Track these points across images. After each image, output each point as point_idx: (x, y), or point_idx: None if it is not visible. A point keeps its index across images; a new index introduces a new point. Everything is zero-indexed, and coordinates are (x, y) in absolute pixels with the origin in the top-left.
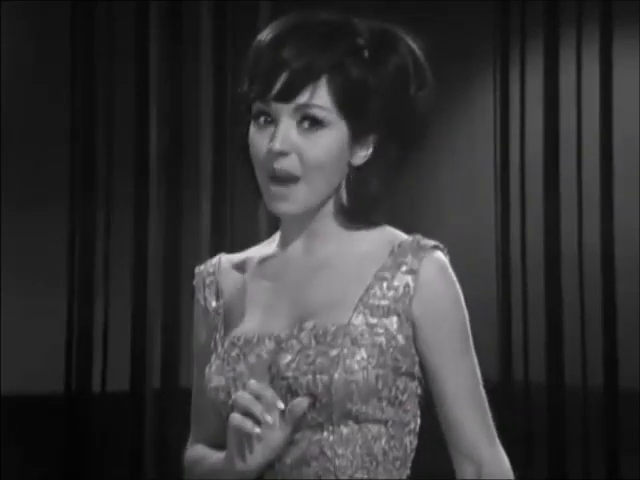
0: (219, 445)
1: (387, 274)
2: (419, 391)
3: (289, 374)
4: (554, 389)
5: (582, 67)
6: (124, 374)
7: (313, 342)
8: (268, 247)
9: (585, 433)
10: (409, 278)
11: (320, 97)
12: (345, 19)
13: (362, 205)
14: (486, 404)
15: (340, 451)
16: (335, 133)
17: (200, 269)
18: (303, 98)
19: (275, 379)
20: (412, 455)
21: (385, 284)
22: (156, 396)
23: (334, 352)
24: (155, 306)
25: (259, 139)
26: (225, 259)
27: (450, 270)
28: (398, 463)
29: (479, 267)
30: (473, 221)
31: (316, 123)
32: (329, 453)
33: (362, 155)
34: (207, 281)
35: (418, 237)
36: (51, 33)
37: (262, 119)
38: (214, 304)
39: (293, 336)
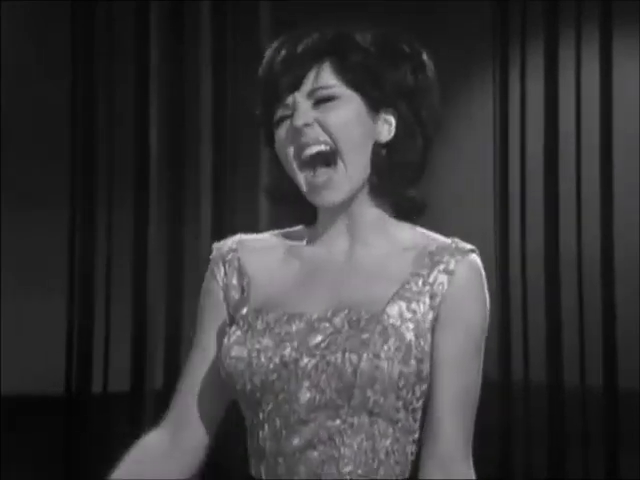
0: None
1: (424, 271)
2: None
3: (317, 352)
4: (554, 389)
5: (582, 67)
6: (124, 374)
7: (346, 326)
8: (300, 239)
9: (584, 432)
10: (445, 278)
11: (324, 78)
12: (339, 30)
13: (397, 188)
14: (472, 420)
15: (348, 440)
16: (349, 103)
17: (219, 245)
18: (309, 84)
19: (302, 358)
20: (409, 468)
21: (421, 280)
22: (156, 396)
23: (365, 336)
24: (156, 306)
25: (282, 133)
26: (247, 238)
27: (483, 275)
28: (398, 469)
29: None
30: (472, 221)
31: (328, 99)
32: (337, 440)
33: (385, 131)
34: (228, 257)
35: (456, 240)
36: (51, 33)
37: (282, 118)
38: (234, 281)
39: (326, 319)
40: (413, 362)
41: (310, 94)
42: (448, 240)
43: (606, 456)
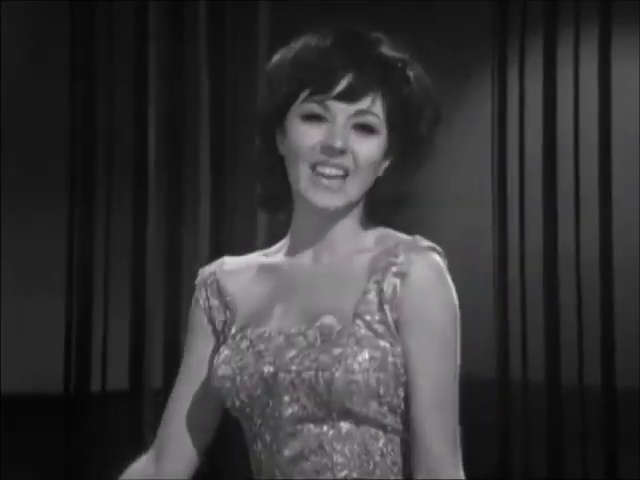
0: (181, 455)
1: (379, 276)
2: None
3: (293, 368)
4: (552, 388)
5: (580, 66)
6: (123, 373)
7: (319, 340)
8: (275, 254)
9: (583, 432)
10: (397, 281)
11: (377, 107)
12: (373, 33)
13: (383, 210)
14: (456, 421)
15: (338, 447)
16: (381, 141)
17: (202, 270)
18: (365, 103)
19: (279, 372)
20: (409, 464)
21: (376, 287)
22: (156, 395)
23: (337, 351)
24: (154, 305)
25: (310, 134)
26: (229, 260)
27: (443, 273)
28: (396, 469)
29: (476, 266)
30: (471, 219)
31: (370, 129)
32: (327, 448)
33: (384, 166)
34: (208, 281)
35: (417, 238)
36: (51, 33)
37: (313, 116)
38: (216, 302)
39: (301, 333)
40: (390, 367)
41: (358, 114)
42: (409, 238)
43: (605, 455)
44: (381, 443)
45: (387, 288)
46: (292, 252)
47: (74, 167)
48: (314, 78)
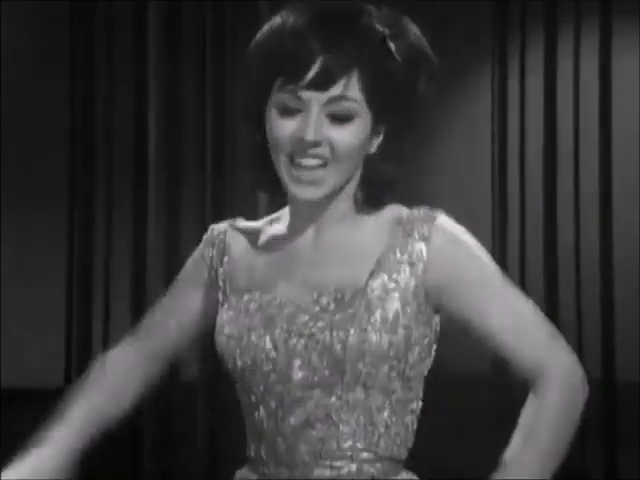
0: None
1: (398, 241)
2: (425, 372)
3: (306, 332)
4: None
5: (581, 61)
6: None
7: (332, 305)
8: (279, 222)
9: (583, 429)
10: (422, 245)
11: (352, 89)
12: (360, 5)
13: (377, 190)
14: (540, 315)
15: (345, 417)
16: (362, 123)
17: (213, 227)
18: (338, 89)
19: (292, 336)
20: (412, 439)
21: (398, 250)
22: (155, 391)
23: (351, 311)
24: (154, 300)
25: (284, 127)
26: (240, 222)
27: (458, 228)
28: (399, 440)
29: None
30: (470, 220)
31: (345, 117)
32: (334, 417)
33: (375, 143)
34: (217, 240)
35: (423, 208)
36: (51, 33)
37: (287, 107)
38: (220, 260)
39: (312, 300)
40: (401, 330)
41: (331, 100)
42: (415, 210)
43: (604, 450)
44: (386, 414)
45: (412, 250)
46: (293, 226)
47: (74, 167)
48: (284, 67)
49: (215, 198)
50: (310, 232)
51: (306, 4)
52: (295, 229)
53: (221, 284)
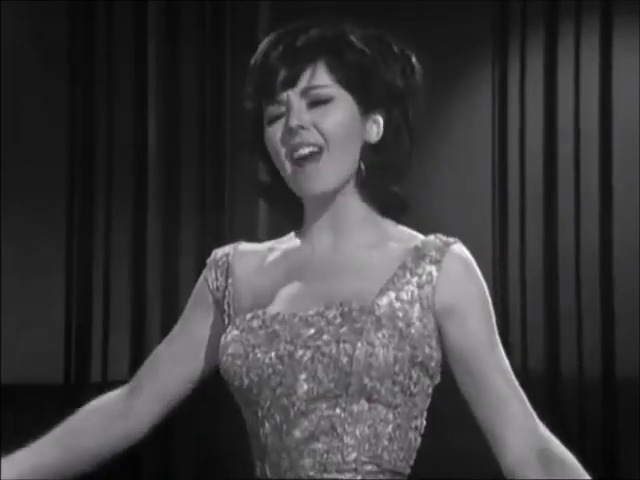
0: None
1: (410, 264)
2: (430, 391)
3: (312, 344)
4: (551, 381)
5: (581, 61)
6: (123, 364)
7: (339, 318)
8: (289, 241)
9: (582, 425)
10: (433, 268)
11: (320, 77)
12: (336, 28)
13: (383, 184)
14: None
15: (349, 429)
16: (343, 105)
17: (217, 250)
18: (304, 81)
19: (297, 349)
20: (414, 455)
21: (408, 272)
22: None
23: (358, 325)
24: (154, 293)
25: (275, 130)
26: (244, 245)
27: (473, 262)
28: (402, 455)
29: (476, 262)
30: (471, 220)
31: (322, 101)
32: (339, 429)
33: (374, 132)
34: (220, 262)
35: (439, 235)
36: (50, 32)
37: (272, 116)
38: (224, 283)
39: (318, 313)
40: (407, 348)
41: (304, 92)
42: (431, 236)
43: (604, 446)
44: (390, 428)
45: (422, 273)
46: (308, 239)
47: (74, 167)
48: (260, 84)
49: (215, 198)
50: (327, 244)
51: (276, 35)
52: (312, 238)
53: (225, 307)
